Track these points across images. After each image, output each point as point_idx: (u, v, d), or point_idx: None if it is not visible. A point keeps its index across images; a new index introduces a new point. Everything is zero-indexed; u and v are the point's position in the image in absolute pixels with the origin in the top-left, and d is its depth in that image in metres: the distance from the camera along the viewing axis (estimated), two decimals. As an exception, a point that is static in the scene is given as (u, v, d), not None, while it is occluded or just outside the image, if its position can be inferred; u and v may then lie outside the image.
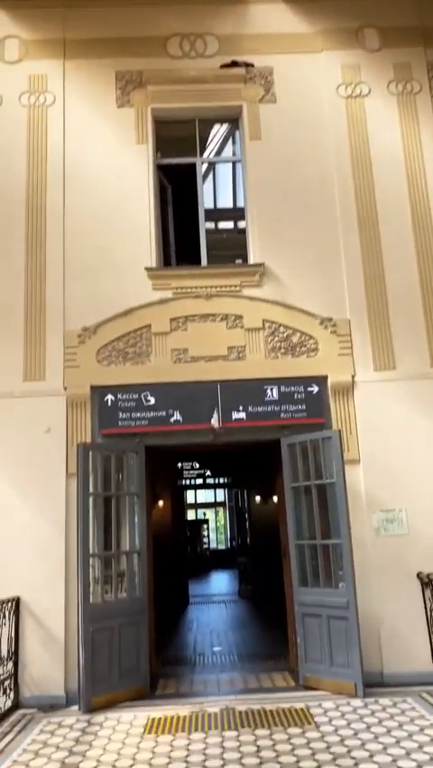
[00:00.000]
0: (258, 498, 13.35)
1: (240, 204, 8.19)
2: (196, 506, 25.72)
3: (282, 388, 6.82)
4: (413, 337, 6.95)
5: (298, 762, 4.35)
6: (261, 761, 4.41)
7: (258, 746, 4.68)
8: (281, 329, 7.00)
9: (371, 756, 4.38)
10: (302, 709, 5.48)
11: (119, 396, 6.73)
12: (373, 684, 5.91)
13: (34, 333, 6.86)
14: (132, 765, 4.46)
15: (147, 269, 7.05)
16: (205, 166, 8.34)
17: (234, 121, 7.96)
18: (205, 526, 25.25)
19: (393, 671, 6.09)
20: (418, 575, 6.28)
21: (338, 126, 7.49)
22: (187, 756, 4.57)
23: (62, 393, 6.71)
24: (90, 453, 6.34)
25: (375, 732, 4.85)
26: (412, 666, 6.09)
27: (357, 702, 5.59)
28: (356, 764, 4.25)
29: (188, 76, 7.62)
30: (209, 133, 8.35)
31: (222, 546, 24.91)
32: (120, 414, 6.70)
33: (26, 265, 7.03)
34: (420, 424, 6.69)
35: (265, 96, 7.64)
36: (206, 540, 24.83)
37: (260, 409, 6.77)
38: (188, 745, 4.80)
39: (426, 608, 6.19)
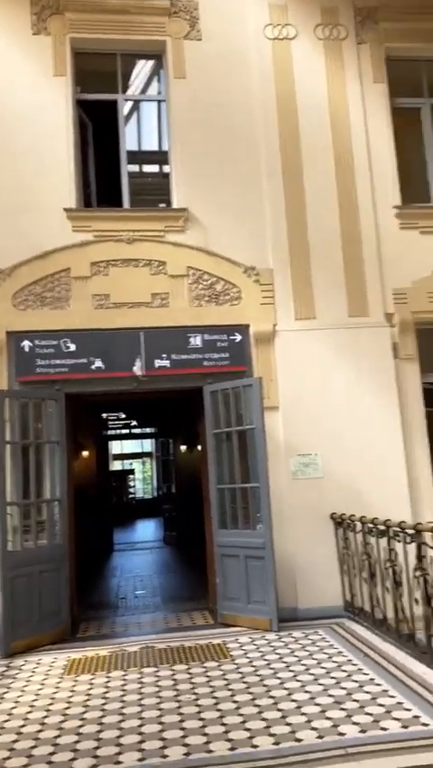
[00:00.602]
0: (183, 448, 13.50)
1: (165, 147, 7.94)
2: (123, 456, 25.79)
3: (206, 336, 6.82)
4: (333, 287, 7.06)
5: (213, 692, 4.54)
6: (177, 693, 4.57)
7: (175, 680, 4.85)
8: (205, 276, 6.95)
9: (281, 683, 4.62)
10: (219, 645, 5.70)
11: (36, 342, 6.53)
12: (288, 619, 6.21)
13: None
14: (50, 704, 4.53)
15: (66, 209, 6.78)
16: (129, 105, 8.02)
17: (158, 57, 7.64)
18: (131, 476, 25.43)
19: (307, 606, 6.41)
20: (331, 516, 6.56)
21: (264, 69, 7.31)
22: (105, 693, 4.68)
23: (-24, 339, 6.45)
24: (6, 401, 6.17)
25: (287, 662, 5.11)
26: (325, 601, 6.41)
27: (272, 636, 5.86)
28: (268, 691, 4.48)
29: (109, 5, 7.21)
30: (132, 70, 7.99)
31: (148, 496, 25.20)
32: (38, 360, 6.52)
33: None
34: (338, 372, 6.88)
35: (190, 33, 7.35)
36: (132, 490, 25.04)
37: (183, 357, 6.76)
38: (107, 682, 4.91)
39: (338, 546, 6.50)
